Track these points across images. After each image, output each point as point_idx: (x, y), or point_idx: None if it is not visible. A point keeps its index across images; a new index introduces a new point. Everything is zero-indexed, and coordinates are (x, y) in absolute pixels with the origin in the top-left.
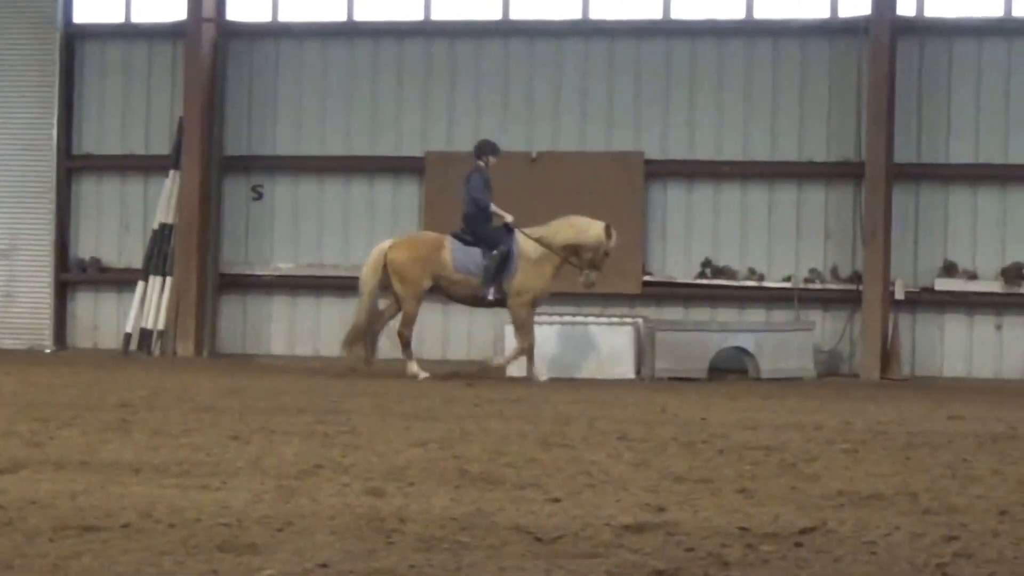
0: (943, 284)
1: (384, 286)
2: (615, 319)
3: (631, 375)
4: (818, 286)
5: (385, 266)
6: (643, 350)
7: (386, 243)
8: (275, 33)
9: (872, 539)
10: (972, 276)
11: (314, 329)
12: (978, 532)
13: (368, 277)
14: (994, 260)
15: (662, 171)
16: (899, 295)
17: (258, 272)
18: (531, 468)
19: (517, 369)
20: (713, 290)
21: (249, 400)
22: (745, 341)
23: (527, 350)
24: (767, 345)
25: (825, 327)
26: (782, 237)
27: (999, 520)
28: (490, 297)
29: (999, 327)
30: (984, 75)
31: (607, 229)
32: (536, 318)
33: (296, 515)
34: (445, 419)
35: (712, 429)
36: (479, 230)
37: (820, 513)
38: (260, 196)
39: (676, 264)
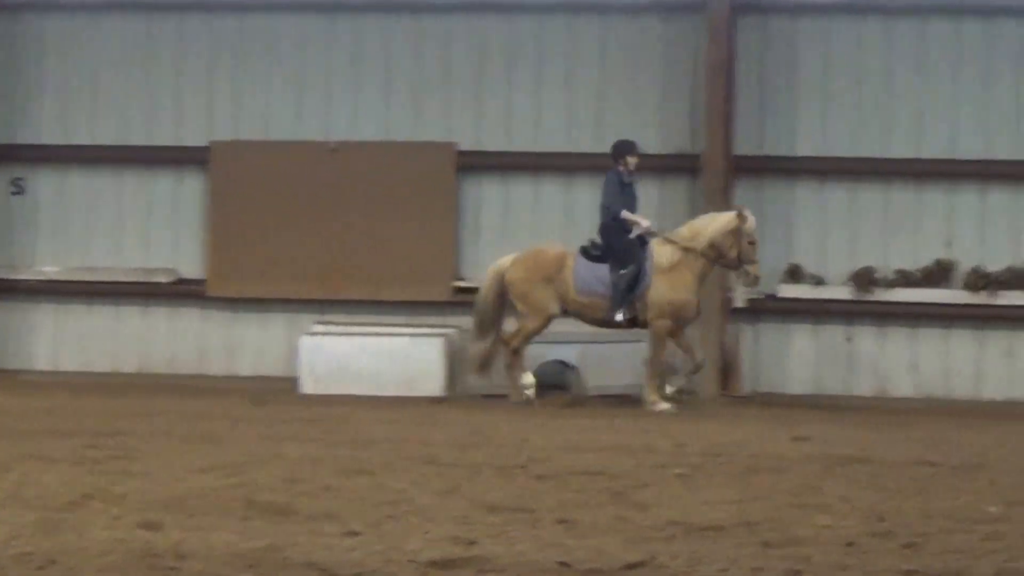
0: (787, 290)
1: (504, 306)
2: (423, 330)
3: (441, 392)
4: None
5: (504, 288)
6: (455, 364)
7: (505, 260)
8: (40, 6)
9: (706, 575)
10: (819, 281)
11: (83, 341)
12: (823, 566)
13: (485, 300)
14: (844, 264)
15: (476, 164)
16: (739, 302)
17: (19, 277)
18: (328, 497)
19: (314, 385)
20: None
21: (8, 421)
22: (568, 354)
23: (655, 374)
24: (593, 358)
25: None
26: None
27: (846, 552)
28: (619, 319)
29: (849, 338)
30: (832, 59)
31: (739, 213)
32: (333, 328)
33: (60, 551)
34: (232, 442)
35: (531, 452)
36: (612, 242)
37: (649, 546)
38: (21, 191)
39: (485, 269)
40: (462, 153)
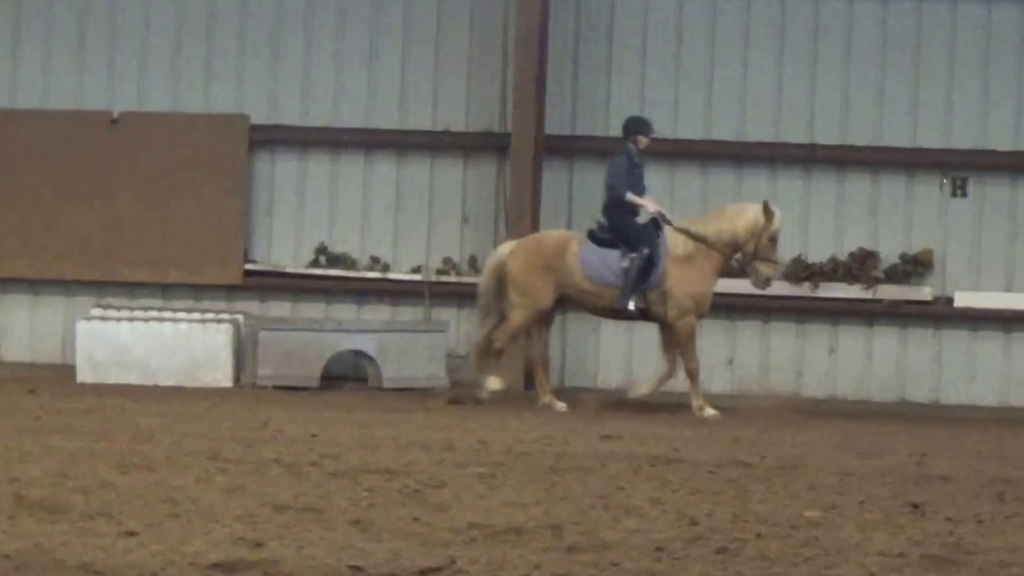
0: None
1: (505, 297)
2: (209, 315)
3: (228, 382)
4: (453, 279)
5: (503, 276)
6: (243, 353)
7: (505, 247)
8: None
9: None
10: None
11: None
12: (631, 572)
13: (485, 291)
14: None
15: (270, 138)
16: None
17: None
18: (103, 494)
19: (91, 374)
20: (329, 282)
21: None
22: (365, 344)
23: (694, 374)
24: (391, 349)
25: (461, 328)
26: (412, 220)
27: (655, 558)
28: (631, 308)
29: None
30: (652, 34)
31: (765, 208)
32: (113, 312)
33: None
34: None
35: (323, 448)
36: (620, 225)
37: (447, 550)
38: None
39: (285, 250)
40: (255, 127)
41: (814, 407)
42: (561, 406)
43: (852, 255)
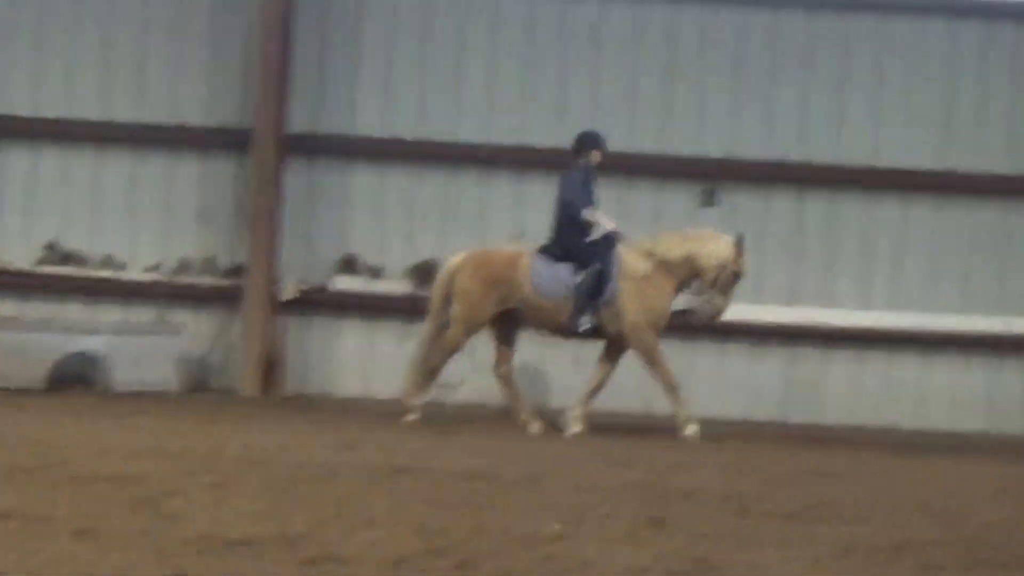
0: (341, 282)
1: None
2: None
3: None
4: (189, 280)
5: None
6: None
7: (457, 257)
8: None
9: None
10: (377, 274)
11: None
12: None
13: (435, 299)
14: (403, 255)
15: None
16: (288, 294)
17: None
18: None
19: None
20: (59, 281)
21: None
22: (95, 345)
23: (671, 389)
24: (123, 351)
25: (198, 330)
26: (147, 218)
27: (394, 571)
28: (581, 328)
29: (406, 337)
30: (400, 31)
31: (737, 244)
32: None
33: None
34: None
35: (48, 454)
36: (571, 242)
37: (179, 561)
38: None
39: (11, 247)
40: None
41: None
42: (537, 426)
43: None
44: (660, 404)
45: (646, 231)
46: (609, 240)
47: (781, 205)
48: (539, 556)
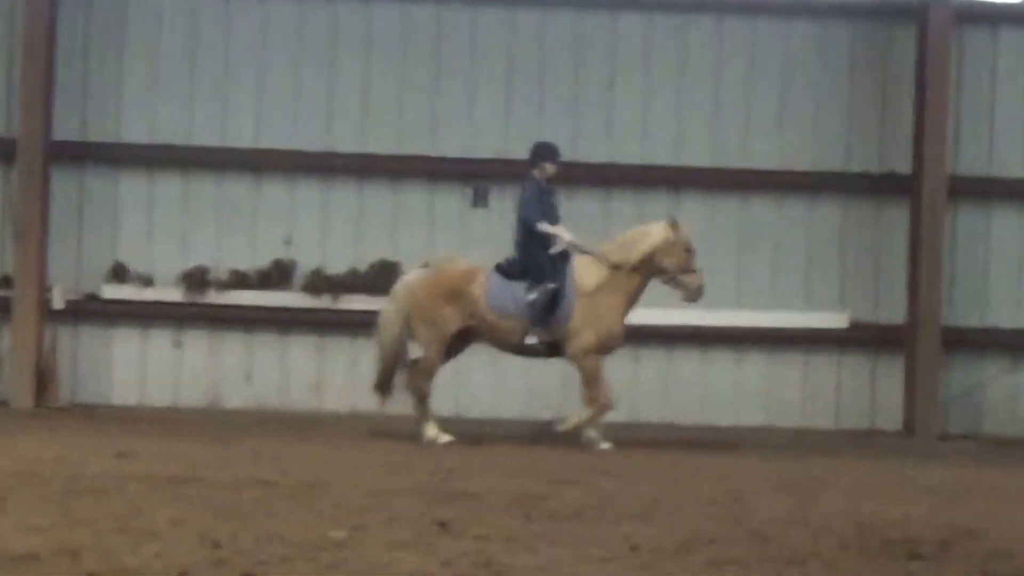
0: (111, 291)
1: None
2: None
3: None
4: None
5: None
6: None
7: (412, 274)
8: None
9: None
10: (147, 282)
11: None
12: None
13: (390, 316)
14: (174, 263)
15: None
16: (58, 304)
17: None
18: None
19: None
20: None
21: None
22: None
23: (598, 411)
24: None
25: None
26: None
27: None
28: (529, 342)
29: (179, 344)
30: (166, 32)
31: (671, 222)
32: None
33: None
34: None
35: None
36: (529, 258)
37: None
38: None
39: None
40: None
41: (336, 423)
42: (446, 438)
43: (372, 266)
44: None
45: (421, 235)
46: (565, 255)
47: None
48: (324, 563)
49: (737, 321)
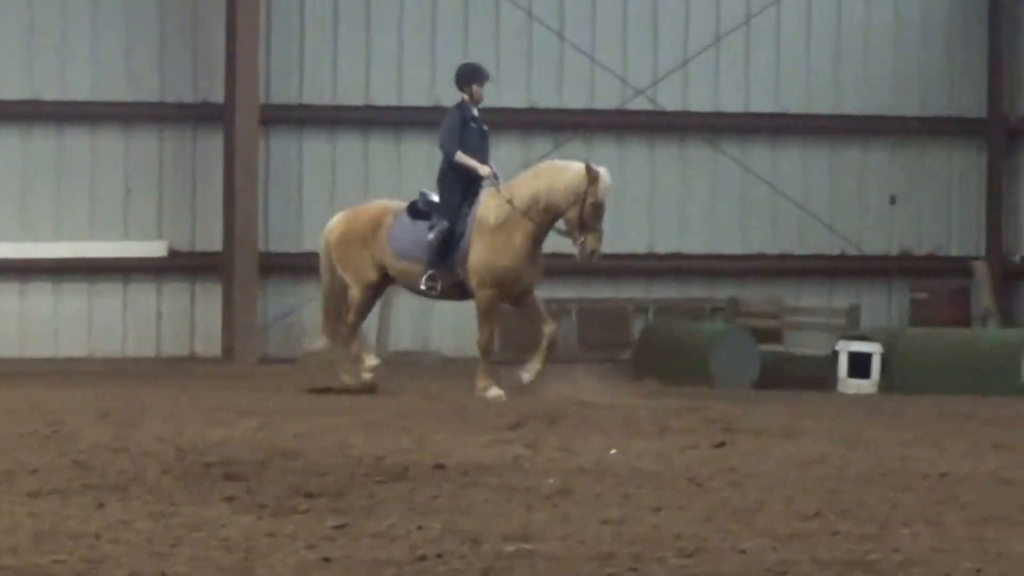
0: None
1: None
2: None
3: None
4: None
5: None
6: None
7: (334, 219)
8: None
9: None
10: None
11: None
12: None
13: (321, 262)
14: None
15: None
16: None
17: None
18: None
19: None
20: None
21: None
22: None
23: (483, 352)
24: None
25: None
26: None
27: None
28: (423, 287)
29: None
30: None
31: (587, 169)
32: None
33: None
34: None
35: None
36: (444, 192)
37: None
38: None
39: None
40: None
41: None
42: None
43: None
44: None
45: None
46: (474, 188)
47: None
48: None
49: (56, 252)
